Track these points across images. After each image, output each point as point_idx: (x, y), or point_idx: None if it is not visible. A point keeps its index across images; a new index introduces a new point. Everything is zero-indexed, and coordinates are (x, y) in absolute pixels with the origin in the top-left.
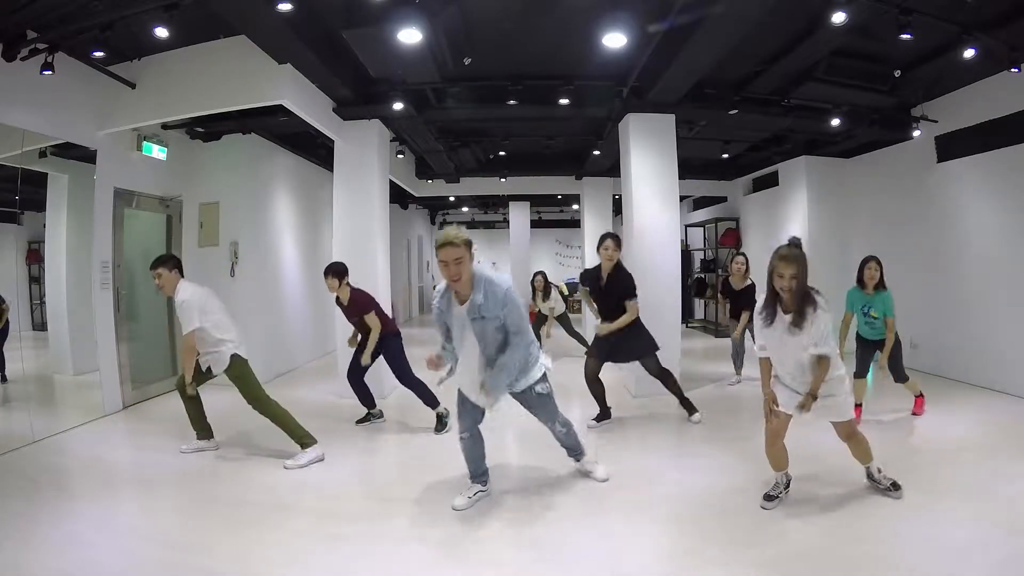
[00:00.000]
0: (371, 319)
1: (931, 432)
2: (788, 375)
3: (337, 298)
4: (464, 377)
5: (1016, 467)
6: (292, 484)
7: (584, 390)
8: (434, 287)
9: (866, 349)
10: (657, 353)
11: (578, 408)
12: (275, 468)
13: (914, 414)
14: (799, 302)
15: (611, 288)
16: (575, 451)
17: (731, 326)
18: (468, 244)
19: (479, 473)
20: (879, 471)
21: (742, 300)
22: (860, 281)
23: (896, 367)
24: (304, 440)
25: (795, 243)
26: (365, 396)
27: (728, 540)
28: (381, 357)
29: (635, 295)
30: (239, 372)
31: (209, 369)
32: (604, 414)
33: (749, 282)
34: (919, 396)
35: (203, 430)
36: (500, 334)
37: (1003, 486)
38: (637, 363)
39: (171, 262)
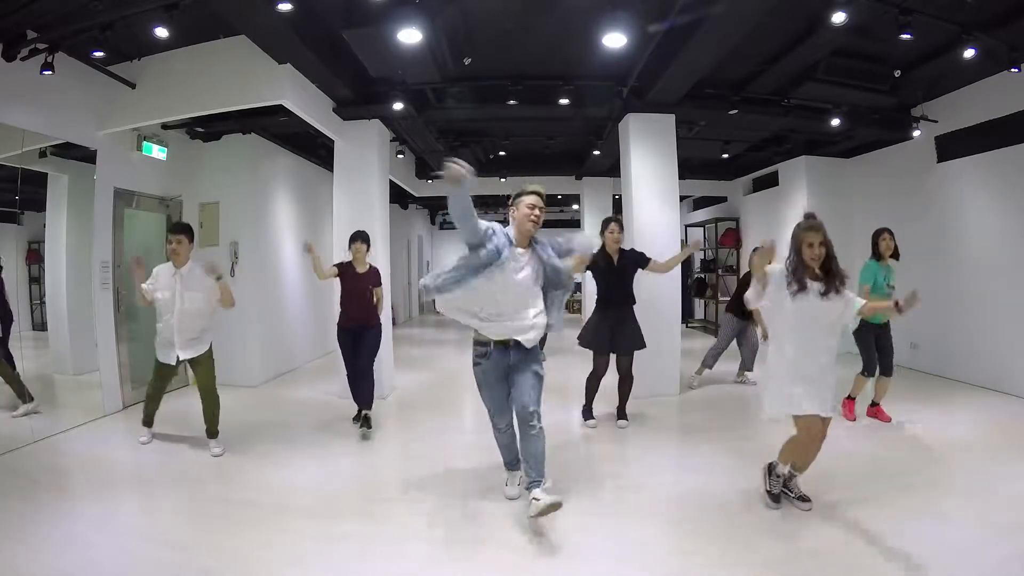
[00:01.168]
0: (379, 291)
1: (931, 432)
2: (816, 363)
3: (350, 266)
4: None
5: (1016, 467)
6: (292, 484)
7: (581, 392)
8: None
9: (868, 338)
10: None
11: (577, 410)
12: (275, 468)
13: (870, 415)
14: (828, 269)
15: (623, 267)
16: (538, 470)
17: (727, 317)
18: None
19: (516, 460)
20: (781, 475)
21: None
22: (876, 253)
23: (886, 358)
24: (217, 430)
25: (811, 216)
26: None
27: (729, 540)
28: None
29: (647, 262)
30: (212, 358)
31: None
32: (590, 412)
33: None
34: (877, 405)
35: (149, 418)
36: (540, 283)
37: (1003, 486)
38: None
39: (192, 234)
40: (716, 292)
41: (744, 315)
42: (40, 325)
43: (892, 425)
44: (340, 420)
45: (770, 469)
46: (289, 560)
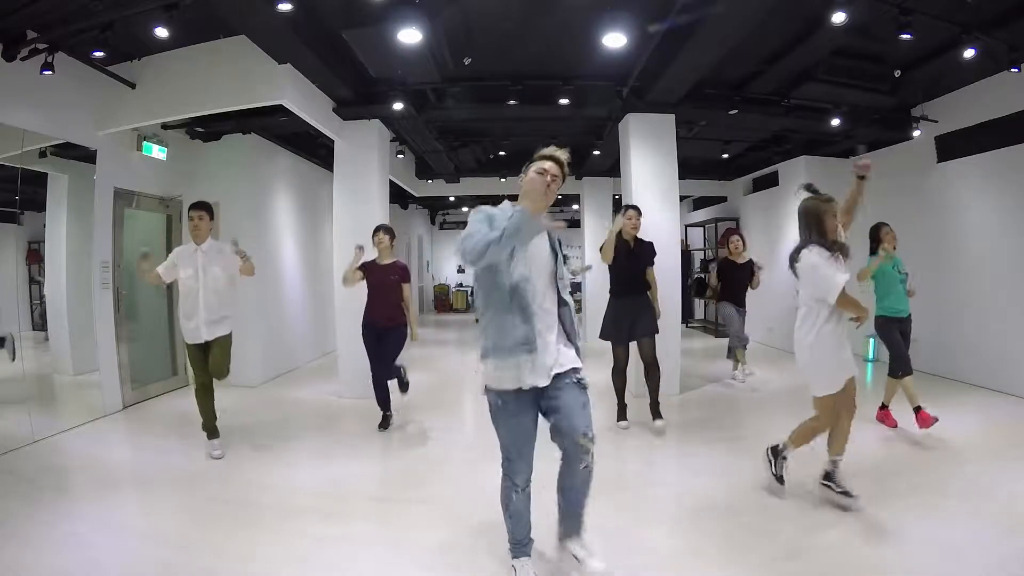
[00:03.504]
0: (407, 289)
1: (931, 432)
2: (845, 330)
3: (373, 262)
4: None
5: (1016, 467)
6: (292, 484)
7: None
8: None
9: (895, 335)
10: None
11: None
12: (275, 468)
13: (885, 423)
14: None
15: (639, 254)
16: (577, 520)
17: (722, 307)
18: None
19: (527, 538)
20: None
21: (741, 272)
22: (878, 246)
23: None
24: (215, 431)
25: (812, 187)
26: (384, 398)
27: (728, 540)
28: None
29: (653, 263)
30: (231, 340)
31: (208, 350)
32: (624, 412)
33: (747, 259)
34: (886, 408)
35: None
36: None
37: (1003, 486)
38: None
39: (212, 211)
40: (716, 292)
41: (738, 301)
42: (40, 325)
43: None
44: (340, 420)
45: (775, 452)
46: (289, 560)
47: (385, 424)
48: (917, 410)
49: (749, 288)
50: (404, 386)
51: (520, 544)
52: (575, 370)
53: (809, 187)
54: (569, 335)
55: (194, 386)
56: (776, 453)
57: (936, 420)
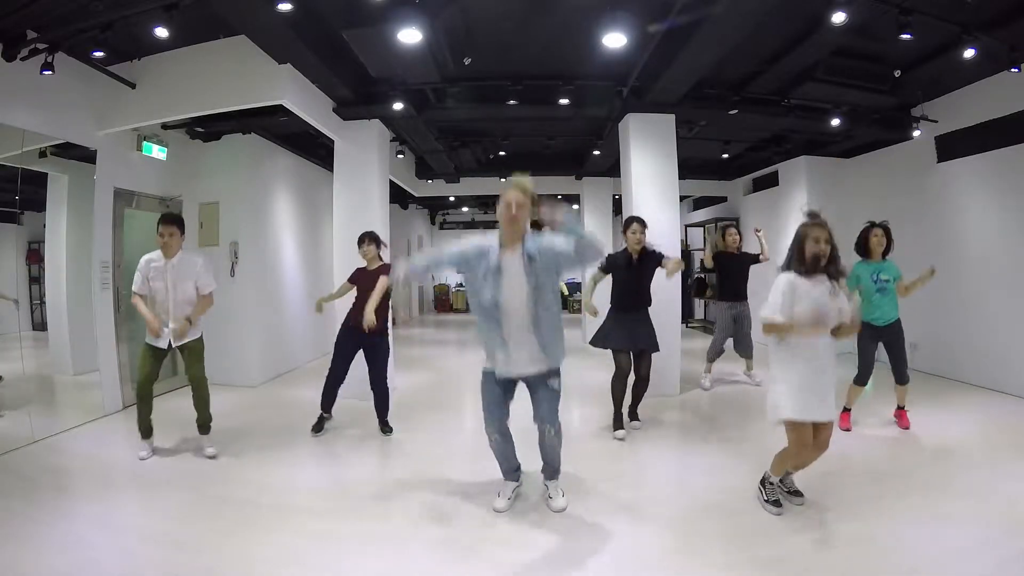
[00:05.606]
0: (383, 280)
1: (931, 432)
2: (820, 364)
3: (363, 269)
4: (506, 347)
5: (1016, 467)
6: (292, 484)
7: (583, 392)
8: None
9: (869, 344)
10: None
11: (577, 410)
12: (275, 468)
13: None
14: (834, 263)
15: (644, 267)
16: (553, 468)
17: (718, 307)
18: (534, 200)
19: (513, 469)
20: (774, 483)
21: (737, 262)
22: (864, 251)
23: (899, 365)
24: (209, 425)
25: (815, 213)
26: (331, 400)
27: (728, 540)
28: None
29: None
30: (202, 345)
31: (169, 347)
32: (621, 420)
33: (742, 251)
34: (902, 409)
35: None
36: (549, 291)
37: (1003, 486)
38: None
39: (182, 225)
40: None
41: (735, 296)
42: (40, 325)
43: (892, 426)
44: (340, 420)
45: (763, 481)
46: (289, 560)
47: (319, 426)
48: (845, 411)
49: (761, 259)
50: (385, 425)
51: (506, 472)
52: (550, 371)
53: (810, 214)
54: (542, 345)
55: (137, 388)
56: (763, 481)
57: (849, 430)
